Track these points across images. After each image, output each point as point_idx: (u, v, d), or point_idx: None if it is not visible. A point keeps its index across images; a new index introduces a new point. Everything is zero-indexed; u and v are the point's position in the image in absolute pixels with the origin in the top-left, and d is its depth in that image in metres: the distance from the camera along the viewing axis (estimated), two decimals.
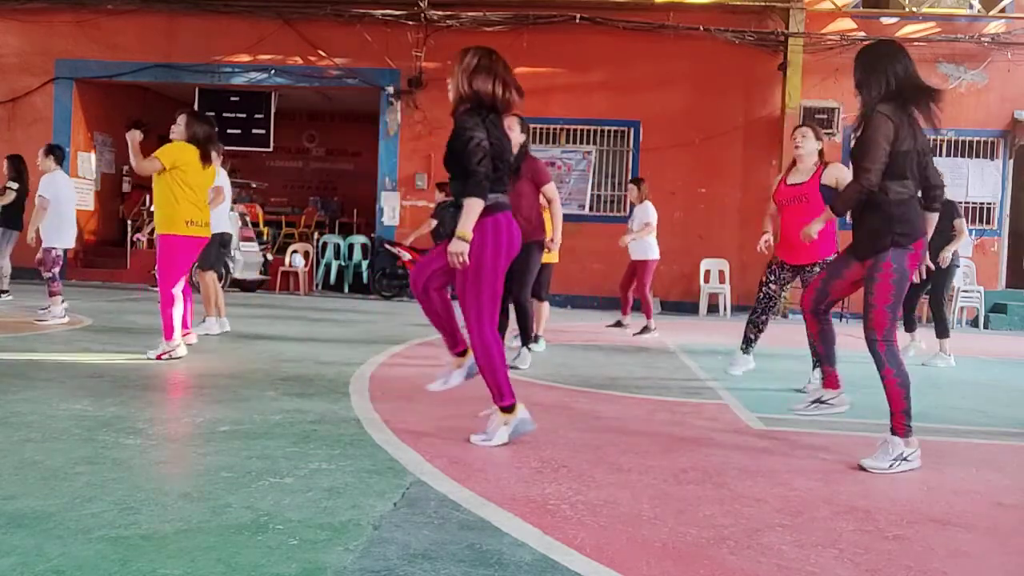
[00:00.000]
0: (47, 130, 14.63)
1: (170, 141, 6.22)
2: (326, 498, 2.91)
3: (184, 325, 6.32)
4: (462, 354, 4.07)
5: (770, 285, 5.92)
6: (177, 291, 6.09)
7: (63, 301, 8.09)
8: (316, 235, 16.07)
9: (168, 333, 5.99)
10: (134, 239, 15.16)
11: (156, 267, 6.27)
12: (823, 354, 4.58)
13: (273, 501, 2.84)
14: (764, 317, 5.98)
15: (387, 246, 13.64)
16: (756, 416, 4.87)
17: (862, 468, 3.70)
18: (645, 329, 9.39)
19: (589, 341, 8.78)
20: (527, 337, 6.60)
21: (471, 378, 4.08)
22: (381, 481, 3.16)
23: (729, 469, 3.60)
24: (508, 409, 3.85)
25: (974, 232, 13.59)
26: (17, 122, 14.67)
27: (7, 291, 10.32)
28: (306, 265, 14.43)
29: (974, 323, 13.26)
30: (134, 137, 6.07)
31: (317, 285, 14.89)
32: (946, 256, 7.83)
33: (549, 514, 2.86)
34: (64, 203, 8.20)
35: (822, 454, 3.99)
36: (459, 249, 3.70)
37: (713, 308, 13.39)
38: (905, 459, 3.71)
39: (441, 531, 2.63)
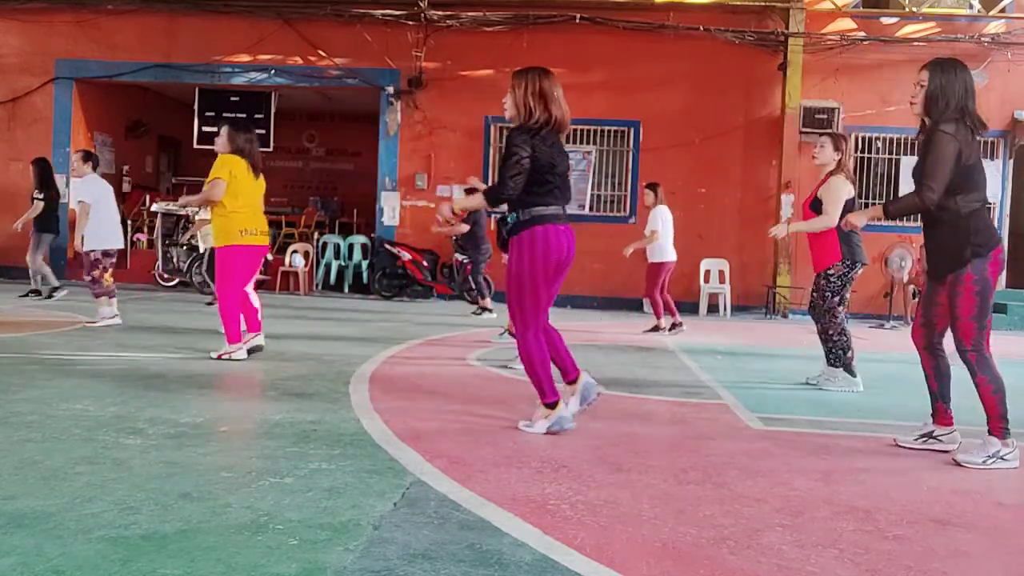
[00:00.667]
0: (47, 130, 14.62)
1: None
2: (326, 498, 2.91)
3: (256, 328, 6.41)
4: (574, 381, 4.30)
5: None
6: (243, 294, 6.32)
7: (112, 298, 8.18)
8: (316, 235, 16.06)
9: (231, 337, 6.12)
10: (134, 239, 15.15)
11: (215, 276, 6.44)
12: (936, 391, 4.21)
13: (273, 501, 2.84)
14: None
15: (387, 246, 13.63)
16: (756, 416, 4.87)
17: (956, 463, 3.83)
18: (656, 328, 9.50)
19: (589, 341, 8.77)
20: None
21: (588, 403, 4.30)
22: (381, 481, 3.15)
23: (729, 469, 3.60)
24: (550, 405, 4.09)
25: None
26: (17, 122, 14.66)
27: (39, 291, 10.48)
28: (306, 265, 14.42)
29: None
30: (190, 200, 7.07)
31: (317, 285, 14.88)
32: None
33: (549, 514, 2.86)
34: (102, 204, 8.28)
35: (822, 454, 3.99)
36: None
37: (713, 308, 13.38)
38: (1001, 458, 3.82)
39: (441, 531, 2.63)
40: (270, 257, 14.22)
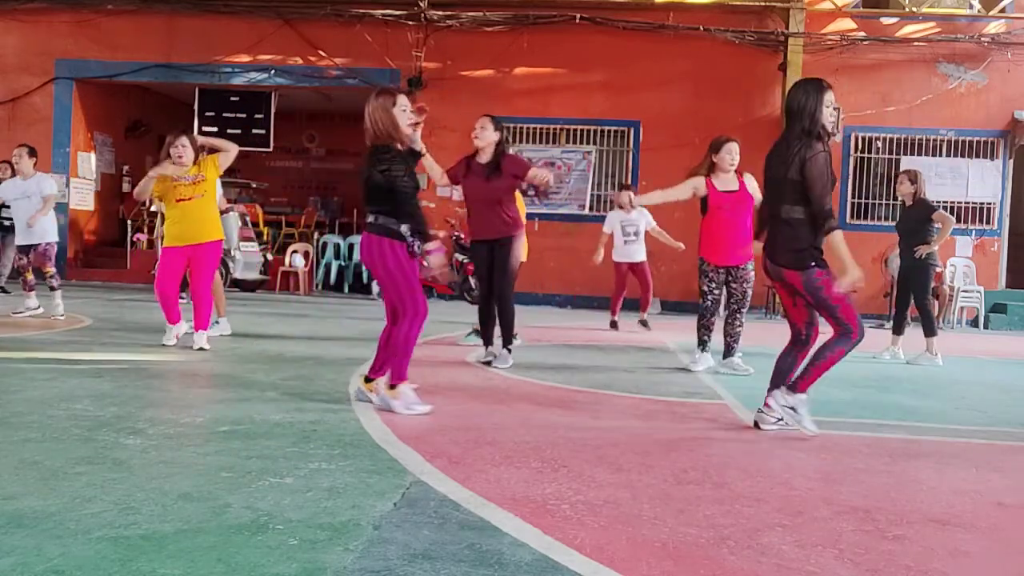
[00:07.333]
0: (47, 130, 14.63)
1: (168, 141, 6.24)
2: (326, 498, 2.91)
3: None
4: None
5: (714, 291, 6.71)
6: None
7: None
8: (316, 235, 16.07)
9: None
10: (134, 239, 15.16)
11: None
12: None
13: (273, 501, 2.84)
14: (714, 319, 6.81)
15: None
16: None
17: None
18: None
19: (589, 341, 8.78)
20: (508, 337, 6.59)
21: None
22: (381, 481, 3.15)
23: (729, 469, 3.59)
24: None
25: (974, 232, 13.59)
26: (17, 122, 14.67)
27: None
28: (306, 265, 14.42)
29: (974, 323, 13.25)
30: None
31: (317, 285, 14.88)
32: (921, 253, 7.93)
33: (549, 514, 2.85)
34: None
35: (822, 454, 3.99)
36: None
37: None
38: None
39: (441, 531, 2.63)
40: (270, 257, 14.26)
